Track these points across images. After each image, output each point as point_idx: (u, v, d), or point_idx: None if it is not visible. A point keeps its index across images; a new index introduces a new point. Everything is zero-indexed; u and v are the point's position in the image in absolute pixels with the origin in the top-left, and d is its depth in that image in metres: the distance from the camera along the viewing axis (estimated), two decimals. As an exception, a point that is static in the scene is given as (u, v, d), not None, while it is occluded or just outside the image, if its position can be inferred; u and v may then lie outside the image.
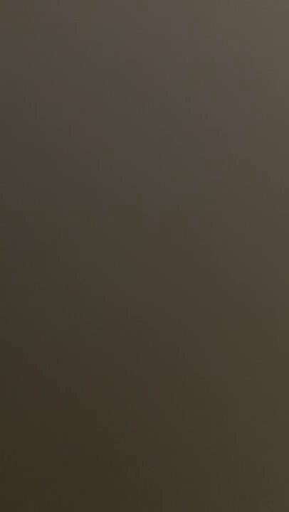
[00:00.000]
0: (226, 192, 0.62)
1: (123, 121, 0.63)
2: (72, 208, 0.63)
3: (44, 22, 0.62)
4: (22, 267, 0.63)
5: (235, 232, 0.62)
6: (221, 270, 0.62)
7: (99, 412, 0.63)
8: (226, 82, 0.62)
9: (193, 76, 0.62)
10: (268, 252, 0.62)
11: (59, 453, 0.64)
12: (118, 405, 0.63)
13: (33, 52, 0.63)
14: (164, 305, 0.62)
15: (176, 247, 0.62)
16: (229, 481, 0.63)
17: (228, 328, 0.62)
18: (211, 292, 0.62)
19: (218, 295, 0.62)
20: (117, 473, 0.63)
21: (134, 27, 0.62)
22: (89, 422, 0.63)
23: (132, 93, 0.62)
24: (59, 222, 0.63)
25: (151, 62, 0.62)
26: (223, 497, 0.63)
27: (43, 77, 0.63)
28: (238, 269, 0.62)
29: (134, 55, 0.62)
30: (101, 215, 0.63)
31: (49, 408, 0.63)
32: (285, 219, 0.62)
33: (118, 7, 0.62)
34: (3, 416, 0.64)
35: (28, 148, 0.63)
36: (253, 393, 0.62)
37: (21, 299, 0.63)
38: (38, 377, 0.63)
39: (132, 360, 0.63)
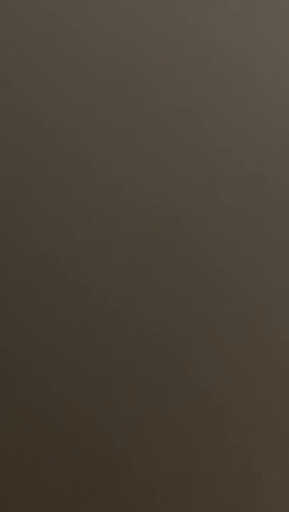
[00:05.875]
0: (227, 197, 0.62)
1: (122, 125, 0.63)
2: (73, 213, 0.63)
3: (44, 24, 0.62)
4: (22, 270, 0.63)
5: (235, 237, 0.62)
6: (221, 274, 0.62)
7: (99, 414, 0.63)
8: (227, 84, 0.62)
9: (193, 79, 0.62)
10: (267, 256, 0.62)
11: (59, 456, 0.64)
12: (118, 408, 0.63)
13: (33, 55, 0.63)
14: (164, 309, 0.63)
15: (176, 251, 0.62)
16: (229, 484, 0.63)
17: (228, 331, 0.62)
18: (211, 296, 0.62)
19: (219, 299, 0.62)
20: (117, 476, 0.63)
21: (134, 31, 0.62)
22: (89, 424, 0.63)
23: (132, 97, 0.62)
24: (59, 227, 0.63)
25: (150, 66, 0.62)
26: (223, 500, 0.63)
27: (43, 79, 0.63)
28: (238, 273, 0.62)
29: (133, 59, 0.62)
30: (101, 220, 0.63)
31: (49, 411, 0.63)
32: (285, 223, 0.62)
33: (118, 10, 0.62)
34: (4, 418, 0.64)
35: (27, 151, 0.63)
36: (253, 396, 0.62)
37: (21, 301, 0.63)
38: (38, 380, 0.63)
39: (132, 364, 0.63)
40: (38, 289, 0.63)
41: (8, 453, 0.64)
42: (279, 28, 0.61)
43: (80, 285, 0.63)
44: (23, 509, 0.64)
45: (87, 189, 0.63)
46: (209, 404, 0.63)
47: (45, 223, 0.63)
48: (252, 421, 0.62)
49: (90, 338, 0.63)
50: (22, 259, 0.63)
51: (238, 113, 0.61)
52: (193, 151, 0.62)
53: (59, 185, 0.63)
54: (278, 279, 0.62)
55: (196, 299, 0.62)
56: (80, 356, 0.63)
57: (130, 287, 0.63)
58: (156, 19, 0.62)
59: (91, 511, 0.63)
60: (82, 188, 0.63)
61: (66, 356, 0.63)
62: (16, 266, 0.63)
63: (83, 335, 0.63)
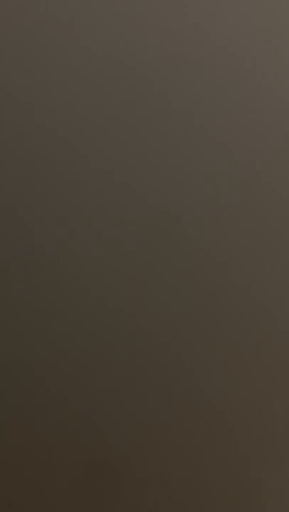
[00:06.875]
0: (227, 197, 0.62)
1: (122, 125, 0.63)
2: (73, 213, 0.63)
3: (44, 24, 0.62)
4: (22, 270, 0.63)
5: (235, 237, 0.62)
6: (221, 274, 0.62)
7: (99, 414, 0.63)
8: (227, 84, 0.62)
9: (193, 79, 0.62)
10: (267, 256, 0.62)
11: (58, 455, 0.64)
12: (118, 408, 0.63)
13: (33, 55, 0.63)
14: (164, 309, 0.63)
15: (176, 251, 0.62)
16: (229, 484, 0.63)
17: (228, 331, 0.62)
18: (211, 296, 0.62)
19: (219, 299, 0.62)
20: (117, 476, 0.63)
21: (134, 31, 0.62)
22: (89, 424, 0.63)
23: (132, 97, 0.62)
24: (59, 227, 0.63)
25: (150, 66, 0.62)
26: (223, 500, 0.63)
27: (43, 79, 0.63)
28: (238, 273, 0.62)
29: (133, 59, 0.62)
30: (101, 220, 0.63)
31: (49, 411, 0.64)
32: (285, 223, 0.62)
33: (118, 10, 0.62)
34: (4, 418, 0.64)
35: (27, 151, 0.63)
36: (253, 396, 0.62)
37: (21, 301, 0.63)
38: (38, 380, 0.63)
39: (132, 364, 0.63)
40: (38, 289, 0.63)
41: (8, 453, 0.64)
42: (279, 28, 0.61)
43: (80, 285, 0.63)
44: (23, 509, 0.64)
45: (87, 189, 0.63)
46: (209, 404, 0.63)
47: (45, 223, 0.63)
48: (252, 421, 0.62)
49: (90, 338, 0.63)
50: (22, 259, 0.63)
51: (238, 113, 0.62)
52: (193, 151, 0.62)
53: (59, 185, 0.63)
54: (278, 279, 0.62)
55: (196, 299, 0.62)
56: (80, 356, 0.63)
57: (130, 287, 0.63)
58: (156, 19, 0.62)
59: (91, 511, 0.63)
60: (82, 188, 0.63)
61: (66, 356, 0.63)
62: (16, 266, 0.63)
63: (83, 335, 0.63)
